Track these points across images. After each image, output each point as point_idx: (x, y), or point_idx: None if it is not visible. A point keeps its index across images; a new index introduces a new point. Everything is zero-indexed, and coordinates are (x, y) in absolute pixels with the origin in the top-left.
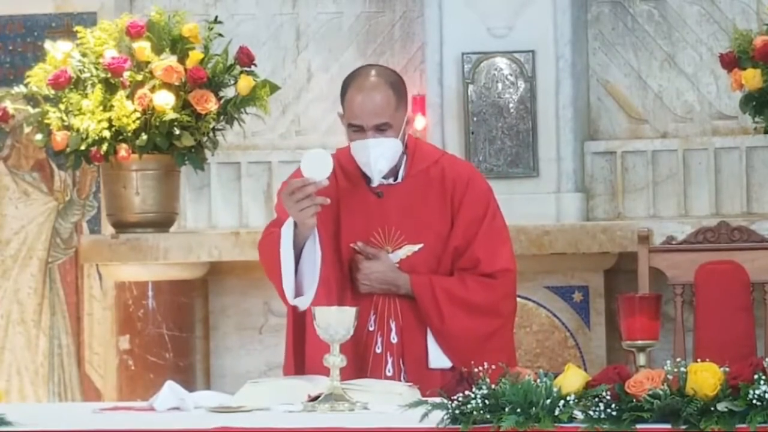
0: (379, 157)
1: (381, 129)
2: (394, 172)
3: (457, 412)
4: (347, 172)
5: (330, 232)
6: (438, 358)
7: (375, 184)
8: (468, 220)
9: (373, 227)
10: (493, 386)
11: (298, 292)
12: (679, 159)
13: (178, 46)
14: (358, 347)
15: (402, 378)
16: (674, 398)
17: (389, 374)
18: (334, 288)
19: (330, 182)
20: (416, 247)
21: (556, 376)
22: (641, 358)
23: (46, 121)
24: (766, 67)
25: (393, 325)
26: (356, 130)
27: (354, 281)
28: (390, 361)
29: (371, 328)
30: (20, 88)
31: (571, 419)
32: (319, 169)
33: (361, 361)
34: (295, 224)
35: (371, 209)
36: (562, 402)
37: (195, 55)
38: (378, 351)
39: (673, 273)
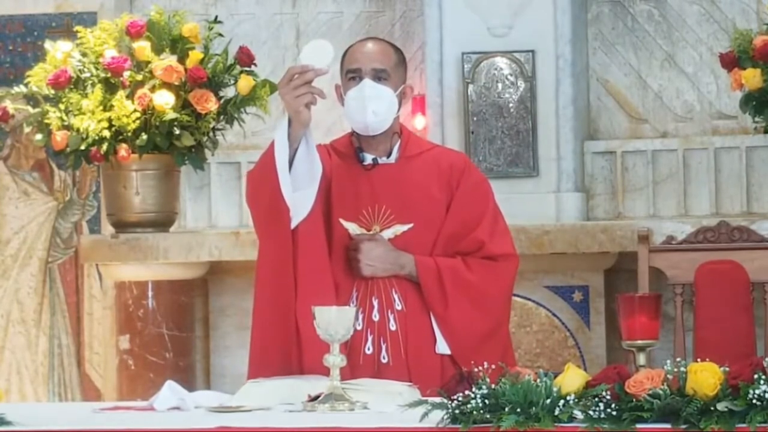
0: (374, 98)
1: (380, 77)
2: (386, 151)
3: (457, 412)
4: (341, 153)
5: (322, 207)
6: (443, 343)
7: (368, 122)
8: (467, 207)
9: (363, 204)
10: (493, 386)
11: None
12: (679, 159)
13: (178, 45)
14: None
15: (382, 356)
16: (674, 398)
17: (368, 352)
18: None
19: (324, 159)
20: (405, 227)
21: (556, 376)
22: (641, 358)
23: (46, 121)
24: (766, 66)
25: (375, 303)
26: (353, 77)
27: (352, 265)
28: (370, 338)
29: (353, 305)
30: (20, 88)
31: (571, 419)
32: (319, 57)
33: None
34: (289, 123)
35: (362, 186)
36: (562, 402)
37: (195, 55)
38: (358, 328)
39: (673, 273)
